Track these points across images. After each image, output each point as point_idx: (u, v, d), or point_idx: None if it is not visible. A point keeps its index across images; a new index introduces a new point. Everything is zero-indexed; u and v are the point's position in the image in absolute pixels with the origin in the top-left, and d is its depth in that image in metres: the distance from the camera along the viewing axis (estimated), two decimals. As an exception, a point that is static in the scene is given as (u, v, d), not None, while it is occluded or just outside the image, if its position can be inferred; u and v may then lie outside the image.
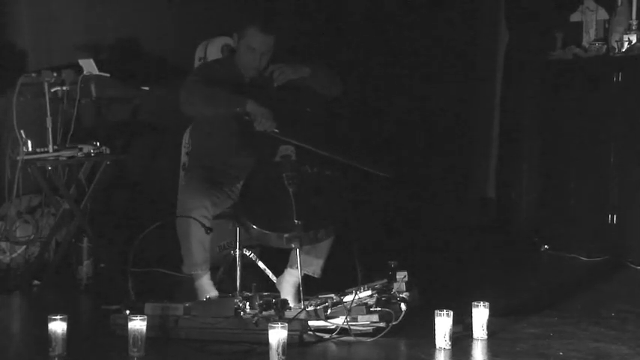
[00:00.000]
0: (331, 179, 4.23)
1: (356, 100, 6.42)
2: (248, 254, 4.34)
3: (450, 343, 3.61)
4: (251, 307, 3.80)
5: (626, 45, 5.70)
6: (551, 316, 4.21)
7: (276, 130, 4.25)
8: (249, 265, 4.35)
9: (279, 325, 3.38)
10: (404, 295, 4.02)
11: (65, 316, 3.47)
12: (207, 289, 4.23)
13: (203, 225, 4.14)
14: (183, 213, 4.20)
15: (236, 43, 4.47)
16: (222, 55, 5.42)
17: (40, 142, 4.87)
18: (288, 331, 3.41)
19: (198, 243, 4.19)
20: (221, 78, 4.41)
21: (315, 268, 4.29)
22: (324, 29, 6.36)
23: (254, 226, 4.03)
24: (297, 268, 4.10)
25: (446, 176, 6.88)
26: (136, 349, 3.49)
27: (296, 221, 3.94)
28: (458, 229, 6.59)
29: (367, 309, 3.87)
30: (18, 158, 4.82)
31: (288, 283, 4.30)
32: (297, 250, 4.01)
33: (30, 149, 4.82)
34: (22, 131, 4.81)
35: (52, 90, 4.91)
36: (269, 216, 4.06)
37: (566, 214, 6.00)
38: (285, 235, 3.97)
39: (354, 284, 4.00)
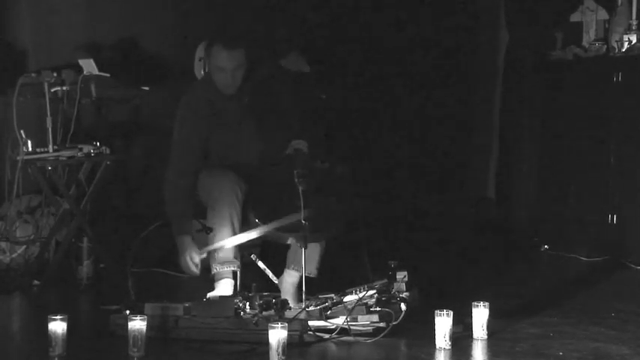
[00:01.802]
0: (341, 176, 4.20)
1: (356, 100, 6.42)
2: (247, 253, 4.35)
3: (450, 343, 3.61)
4: (251, 307, 3.80)
5: (626, 45, 5.70)
6: (551, 316, 4.21)
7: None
8: (249, 265, 4.35)
9: (279, 325, 3.38)
10: (404, 295, 4.01)
11: (65, 316, 3.47)
12: (225, 289, 4.19)
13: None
14: (218, 197, 4.14)
15: (207, 64, 4.35)
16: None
17: (40, 142, 4.87)
18: (288, 331, 3.41)
19: (231, 236, 4.16)
20: (204, 110, 4.33)
21: (311, 267, 4.28)
22: (324, 29, 6.36)
23: (257, 220, 4.01)
24: (294, 268, 4.16)
25: (446, 176, 6.88)
26: (136, 349, 3.49)
27: (303, 222, 3.93)
28: (458, 229, 6.59)
29: (367, 309, 3.86)
30: (18, 158, 4.82)
31: (288, 284, 4.30)
32: (303, 250, 4.00)
33: (30, 149, 4.82)
34: (22, 131, 4.81)
35: (52, 90, 4.91)
36: (276, 213, 4.04)
37: (566, 214, 6.01)
38: (292, 235, 3.97)
39: (355, 284, 4.01)
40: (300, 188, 3.97)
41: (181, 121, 4.38)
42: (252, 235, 4.11)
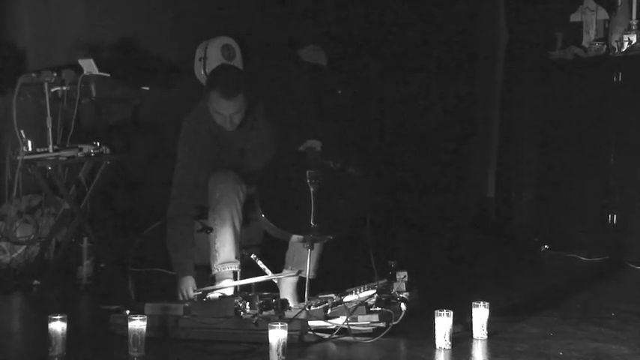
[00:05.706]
0: (353, 177, 4.19)
1: (356, 100, 6.42)
2: (246, 253, 4.34)
3: (450, 343, 3.61)
4: (251, 307, 3.80)
5: (626, 45, 5.70)
6: (551, 316, 4.21)
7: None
8: (249, 265, 4.35)
9: (279, 325, 3.38)
10: (404, 295, 4.01)
11: (65, 316, 3.47)
12: (226, 290, 4.17)
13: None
14: (219, 198, 4.13)
15: (205, 101, 4.24)
16: (222, 55, 5.42)
17: (40, 142, 4.87)
18: (288, 331, 3.41)
19: (231, 237, 4.16)
20: (207, 139, 4.29)
21: (310, 269, 4.26)
22: (324, 29, 6.36)
23: (263, 215, 4.01)
24: (292, 269, 4.19)
25: (446, 176, 6.88)
26: (136, 349, 3.49)
27: (312, 224, 3.92)
28: (458, 229, 6.59)
29: (367, 309, 3.86)
30: (18, 158, 4.82)
31: (287, 284, 4.29)
32: (309, 250, 3.99)
33: (30, 149, 4.82)
34: (22, 131, 4.81)
35: (52, 90, 4.91)
36: (285, 211, 4.03)
37: (566, 214, 6.01)
38: (300, 237, 3.97)
39: (356, 284, 4.01)
40: (311, 189, 3.97)
41: (183, 148, 4.35)
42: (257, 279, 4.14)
